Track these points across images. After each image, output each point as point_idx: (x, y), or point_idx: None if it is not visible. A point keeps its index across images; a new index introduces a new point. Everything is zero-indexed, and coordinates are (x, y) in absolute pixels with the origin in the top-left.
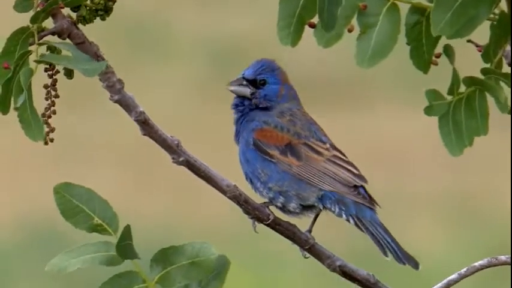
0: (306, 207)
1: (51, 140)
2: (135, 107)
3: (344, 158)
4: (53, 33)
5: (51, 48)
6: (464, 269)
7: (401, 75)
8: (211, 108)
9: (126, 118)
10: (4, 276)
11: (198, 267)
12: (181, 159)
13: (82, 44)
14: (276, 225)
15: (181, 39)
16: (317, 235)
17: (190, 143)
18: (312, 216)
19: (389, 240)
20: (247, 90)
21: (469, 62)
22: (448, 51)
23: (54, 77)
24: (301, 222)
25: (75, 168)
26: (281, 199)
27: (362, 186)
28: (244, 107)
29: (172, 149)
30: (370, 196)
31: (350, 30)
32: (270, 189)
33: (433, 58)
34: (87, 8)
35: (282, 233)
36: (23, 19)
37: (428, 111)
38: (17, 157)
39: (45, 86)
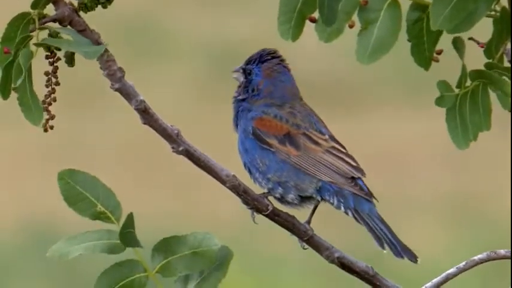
0: (304, 199)
1: (51, 127)
2: (136, 96)
3: (342, 149)
4: (54, 20)
5: (53, 34)
6: (463, 263)
7: (400, 78)
8: (211, 109)
9: (126, 118)
10: (4, 277)
11: (200, 258)
12: (181, 148)
13: (83, 31)
14: (275, 216)
15: (180, 40)
16: (316, 230)
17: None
18: (311, 207)
19: (387, 233)
20: (240, 78)
21: (470, 60)
22: (458, 43)
23: (55, 64)
24: (300, 214)
25: (78, 167)
26: (280, 190)
27: (360, 179)
28: (235, 98)
29: (172, 138)
30: (368, 189)
31: (351, 26)
32: (269, 180)
33: (434, 55)
34: None
35: (281, 224)
36: (24, 5)
37: (440, 101)
38: (17, 159)
39: (46, 73)
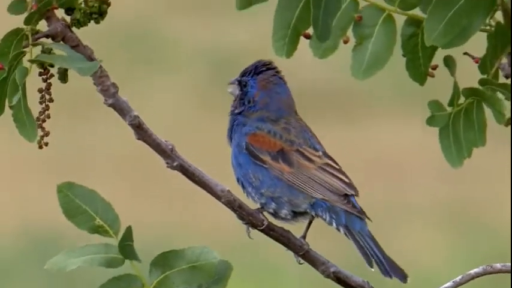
0: (298, 214)
1: (46, 144)
2: (129, 111)
3: (336, 166)
4: (47, 36)
5: (46, 50)
6: (459, 277)
7: (398, 87)
8: (210, 116)
9: (123, 128)
10: (5, 282)
11: (199, 272)
12: (175, 164)
13: (76, 47)
14: (270, 231)
15: (180, 48)
16: (311, 243)
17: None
18: (305, 222)
19: (377, 252)
20: (236, 91)
21: (465, 74)
22: (449, 61)
23: (48, 81)
24: (296, 228)
25: (76, 176)
26: (273, 205)
27: (353, 196)
28: (232, 111)
29: (166, 153)
30: (360, 206)
31: (346, 42)
32: (262, 195)
33: (430, 70)
34: (82, 11)
35: (276, 239)
36: (18, 22)
37: (431, 121)
38: (17, 165)
39: (40, 90)
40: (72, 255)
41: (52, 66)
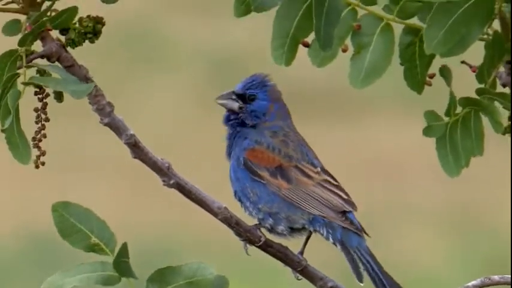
0: (294, 230)
1: (43, 164)
2: (125, 130)
3: (334, 182)
4: (42, 57)
5: (40, 71)
6: None
7: (399, 87)
8: (210, 115)
9: None
10: (5, 283)
11: (195, 287)
12: (171, 182)
13: (71, 67)
14: (268, 247)
15: (180, 48)
16: (309, 255)
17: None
18: (302, 237)
19: (375, 268)
20: (235, 104)
21: (463, 82)
22: (445, 72)
23: (44, 100)
24: (293, 244)
25: (75, 179)
26: (270, 221)
27: (351, 212)
28: (233, 122)
29: (162, 171)
30: (359, 222)
31: (344, 50)
32: (260, 210)
33: (427, 79)
34: (76, 31)
35: (273, 255)
36: (12, 43)
37: (427, 132)
38: (17, 165)
39: (36, 110)
40: (67, 274)
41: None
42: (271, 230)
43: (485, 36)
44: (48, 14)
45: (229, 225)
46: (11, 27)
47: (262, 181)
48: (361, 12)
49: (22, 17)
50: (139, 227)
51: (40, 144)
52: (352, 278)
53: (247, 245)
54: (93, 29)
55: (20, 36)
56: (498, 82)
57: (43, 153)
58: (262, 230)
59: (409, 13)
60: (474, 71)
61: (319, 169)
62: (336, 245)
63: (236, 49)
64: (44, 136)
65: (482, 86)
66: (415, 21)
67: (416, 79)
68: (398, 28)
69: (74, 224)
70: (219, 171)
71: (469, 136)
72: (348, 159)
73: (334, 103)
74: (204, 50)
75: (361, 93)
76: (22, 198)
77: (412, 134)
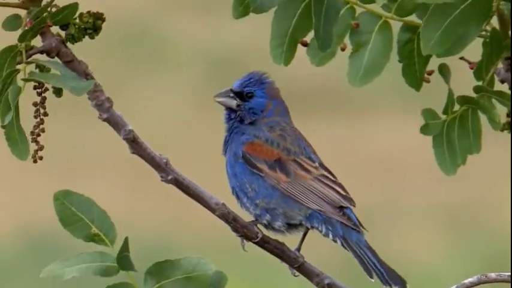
0: (291, 226)
1: (40, 158)
2: (124, 126)
3: (332, 178)
4: (41, 52)
5: (40, 67)
6: (454, 287)
7: (398, 86)
8: (210, 115)
9: None
10: (4, 283)
11: (194, 282)
12: (169, 177)
13: (71, 62)
14: (265, 244)
15: (179, 47)
16: (306, 254)
17: (189, 151)
18: (299, 234)
19: (376, 262)
20: (233, 102)
21: (462, 78)
22: (443, 70)
23: (43, 94)
24: (290, 240)
25: (76, 177)
26: (267, 217)
27: (349, 208)
28: (232, 119)
29: (160, 167)
30: (357, 218)
31: (343, 49)
32: (257, 206)
33: (425, 76)
34: (76, 26)
35: (270, 252)
36: (11, 38)
37: (425, 130)
38: (17, 165)
39: (34, 104)
40: (66, 264)
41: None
42: (268, 226)
43: (484, 33)
44: (49, 9)
45: (227, 221)
46: (11, 23)
47: (260, 174)
48: (359, 10)
49: (22, 12)
50: (139, 225)
51: (38, 138)
52: (351, 277)
53: (244, 241)
54: (93, 25)
55: (19, 31)
56: (496, 78)
57: (41, 148)
58: (259, 226)
59: (407, 10)
60: (472, 68)
61: (317, 164)
62: (336, 242)
63: (236, 49)
64: (43, 130)
65: (480, 83)
66: (413, 18)
67: (415, 76)
68: (396, 26)
69: (75, 213)
70: (218, 171)
71: (467, 134)
72: (347, 158)
73: (332, 102)
74: (204, 50)
75: (360, 92)
76: (22, 199)
77: (411, 133)
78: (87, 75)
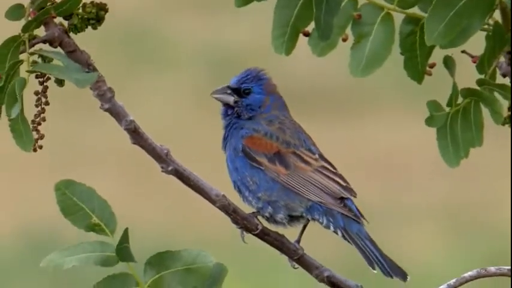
0: (293, 218)
1: (40, 147)
2: (125, 116)
3: (332, 169)
4: (44, 41)
5: (43, 56)
6: (454, 280)
7: (399, 85)
8: (210, 115)
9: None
10: (4, 283)
11: (194, 274)
12: (170, 168)
13: (73, 52)
14: (265, 236)
15: (179, 47)
16: (306, 247)
17: (189, 151)
18: (299, 227)
19: (377, 254)
20: (230, 98)
21: (464, 72)
22: (448, 62)
23: (45, 83)
24: (290, 232)
25: (75, 176)
26: (269, 209)
27: (350, 199)
28: (229, 115)
29: (161, 158)
30: (357, 209)
31: (344, 40)
32: (259, 199)
33: (427, 68)
34: (79, 16)
35: (270, 243)
36: (14, 27)
37: (430, 121)
38: (16, 165)
39: (36, 93)
40: (66, 253)
41: None
42: (270, 218)
43: (486, 27)
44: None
45: (227, 212)
46: (15, 12)
47: (261, 167)
48: (361, 1)
49: (26, 2)
50: (140, 224)
51: (39, 127)
52: (350, 273)
53: (244, 233)
54: (96, 15)
55: (23, 21)
56: (498, 72)
57: (41, 137)
58: (260, 218)
59: (409, 2)
60: (475, 62)
61: (317, 156)
62: (337, 233)
63: (236, 48)
64: (44, 119)
65: (483, 76)
66: (415, 10)
67: (417, 69)
68: (398, 18)
69: (76, 203)
70: (218, 170)
71: (469, 127)
72: (347, 158)
73: (332, 102)
74: (204, 50)
75: (359, 92)
76: (21, 199)
77: (411, 133)
78: (89, 66)
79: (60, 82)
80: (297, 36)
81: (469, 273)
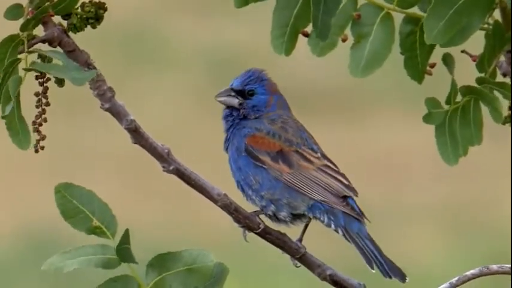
0: (296, 216)
1: (42, 148)
2: (126, 115)
3: (334, 168)
4: (43, 41)
5: (42, 56)
6: (456, 278)
7: (399, 86)
8: (210, 115)
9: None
10: (4, 284)
11: (195, 274)
12: (171, 167)
13: (73, 52)
14: (266, 234)
15: (179, 48)
16: (308, 246)
17: (189, 151)
18: (301, 225)
19: (376, 253)
20: (234, 101)
21: (463, 72)
22: (447, 60)
23: (45, 84)
24: (292, 231)
25: (75, 178)
26: (272, 207)
27: (351, 198)
28: (234, 118)
29: (162, 157)
30: (359, 208)
31: (344, 40)
32: (262, 198)
33: (428, 68)
34: (78, 16)
35: (272, 242)
36: (13, 27)
37: (427, 119)
38: (16, 165)
39: (36, 94)
40: (68, 256)
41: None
42: (273, 216)
43: (486, 26)
44: None
45: (229, 211)
46: (13, 12)
47: (264, 166)
48: (361, 1)
49: (24, 1)
50: (139, 226)
51: (40, 128)
52: (353, 270)
53: (246, 232)
54: (95, 14)
55: (21, 20)
56: (498, 71)
57: (43, 138)
58: (262, 217)
59: (409, 2)
60: (474, 61)
61: (319, 154)
62: (337, 232)
63: (236, 49)
64: (45, 120)
65: (483, 75)
66: (415, 10)
67: (417, 68)
68: (398, 17)
69: (76, 205)
70: (219, 171)
71: (468, 125)
72: (347, 158)
73: (334, 103)
74: (204, 50)
75: (360, 93)
76: (21, 199)
77: (411, 134)
78: (89, 65)
79: (60, 82)
80: (296, 37)
81: (471, 271)
